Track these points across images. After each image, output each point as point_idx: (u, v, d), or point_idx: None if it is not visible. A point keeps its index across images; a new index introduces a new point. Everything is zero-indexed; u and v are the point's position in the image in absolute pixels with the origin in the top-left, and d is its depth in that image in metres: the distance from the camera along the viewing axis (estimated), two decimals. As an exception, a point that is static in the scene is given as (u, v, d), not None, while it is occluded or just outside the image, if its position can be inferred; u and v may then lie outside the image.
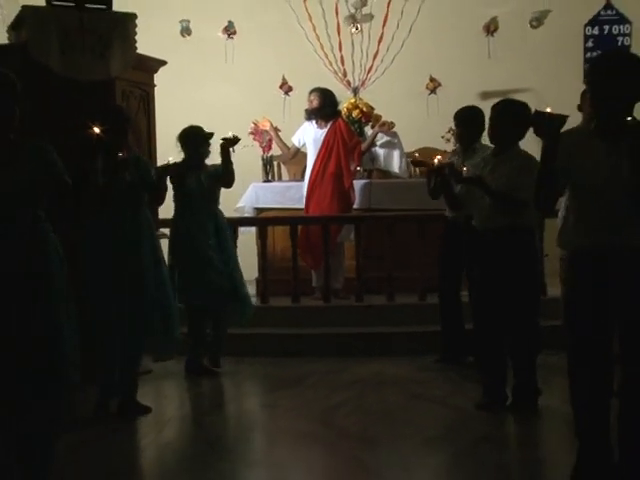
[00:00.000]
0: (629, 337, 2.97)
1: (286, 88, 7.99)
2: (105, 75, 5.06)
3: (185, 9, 8.38)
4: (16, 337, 2.93)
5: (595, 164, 2.92)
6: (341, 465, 3.87)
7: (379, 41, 8.10)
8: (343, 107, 7.37)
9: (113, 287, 4.39)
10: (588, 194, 2.96)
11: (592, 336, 2.99)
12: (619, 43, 8.29)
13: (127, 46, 5.17)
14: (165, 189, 4.68)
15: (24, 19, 5.07)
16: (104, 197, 4.13)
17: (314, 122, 6.86)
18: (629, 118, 2.86)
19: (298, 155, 7.21)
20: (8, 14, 6.64)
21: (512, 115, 4.30)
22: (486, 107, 4.82)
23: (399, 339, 6.08)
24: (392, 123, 7.28)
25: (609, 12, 8.39)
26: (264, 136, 7.28)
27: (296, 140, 7.06)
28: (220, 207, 5.62)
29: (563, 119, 2.89)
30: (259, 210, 7.20)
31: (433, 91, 8.23)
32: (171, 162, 4.75)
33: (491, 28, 8.28)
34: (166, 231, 5.71)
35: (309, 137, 6.91)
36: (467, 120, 5.35)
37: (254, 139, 7.31)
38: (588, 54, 8.36)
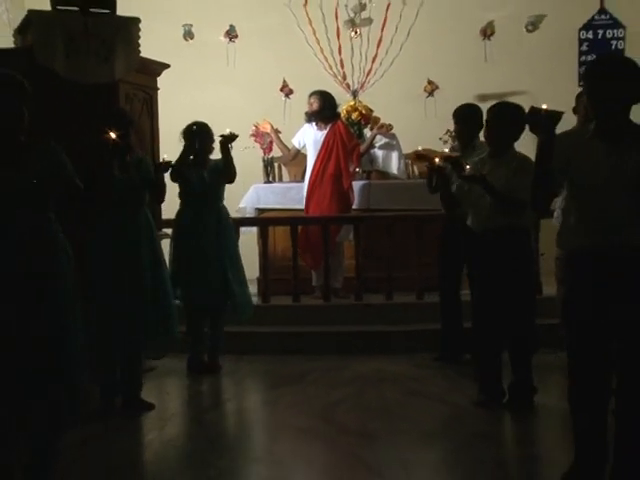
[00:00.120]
0: (628, 337, 2.92)
1: (286, 91, 7.99)
2: (109, 78, 5.06)
3: (187, 13, 8.38)
4: (22, 337, 2.92)
5: (595, 164, 2.90)
6: (341, 461, 3.86)
7: (378, 45, 8.10)
8: (343, 109, 7.37)
9: (113, 287, 4.38)
10: (588, 194, 2.93)
11: (591, 336, 2.95)
12: (613, 47, 8.29)
13: (131, 50, 5.17)
14: (162, 187, 4.68)
15: (30, 23, 5.07)
16: (104, 198, 4.12)
17: (314, 124, 6.86)
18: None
19: (298, 157, 7.21)
20: (14, 18, 6.65)
21: (508, 117, 4.30)
22: (483, 109, 4.82)
23: (397, 337, 6.08)
24: (390, 125, 7.28)
25: (603, 17, 8.39)
26: (265, 138, 7.28)
27: (296, 142, 7.06)
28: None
29: (559, 115, 2.87)
30: (260, 211, 7.19)
31: (431, 94, 8.22)
32: (166, 160, 4.74)
33: (488, 32, 8.28)
34: (169, 231, 5.70)
35: (309, 139, 6.91)
36: (466, 117, 5.35)
37: (255, 141, 7.31)
38: (583, 58, 8.38)
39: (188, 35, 8.42)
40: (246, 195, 7.18)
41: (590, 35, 8.40)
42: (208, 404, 5.08)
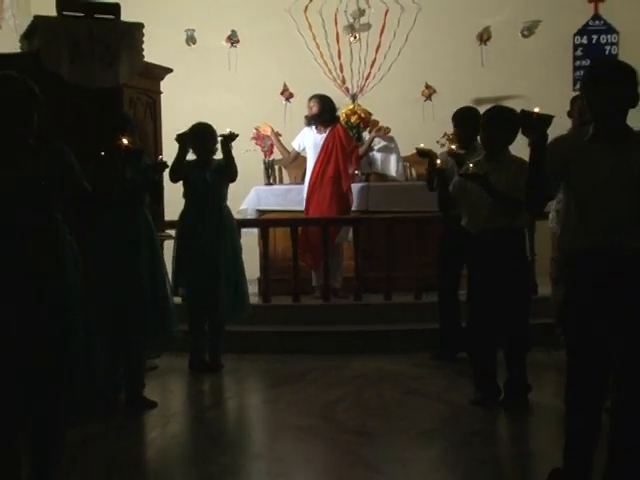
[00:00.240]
0: (627, 337, 2.88)
1: (287, 95, 7.98)
2: (113, 82, 5.06)
3: (190, 19, 8.38)
4: (22, 337, 2.90)
5: (595, 165, 2.88)
6: (340, 458, 3.85)
7: (377, 50, 8.09)
8: (342, 113, 7.38)
9: (113, 287, 4.37)
10: (588, 194, 2.90)
11: (591, 336, 2.90)
12: (607, 52, 8.32)
13: (134, 54, 5.17)
14: (159, 188, 4.66)
15: (36, 29, 5.07)
16: (106, 198, 4.11)
17: (314, 127, 6.86)
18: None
19: (298, 159, 7.21)
20: (20, 24, 6.65)
21: (503, 121, 4.31)
22: (480, 112, 4.81)
23: (396, 337, 6.07)
24: (388, 128, 7.29)
25: (597, 22, 8.41)
26: (266, 141, 7.28)
27: (296, 145, 7.06)
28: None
29: (550, 119, 2.88)
30: (261, 212, 7.19)
31: (428, 98, 8.21)
32: (162, 161, 4.74)
33: (484, 37, 8.28)
34: (172, 232, 5.70)
35: (309, 142, 6.91)
36: (465, 120, 5.36)
37: (256, 144, 7.32)
38: (577, 62, 8.42)
39: (190, 40, 8.42)
40: (247, 197, 7.17)
41: (584, 40, 8.42)
42: (210, 402, 5.08)
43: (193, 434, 4.32)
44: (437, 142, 7.21)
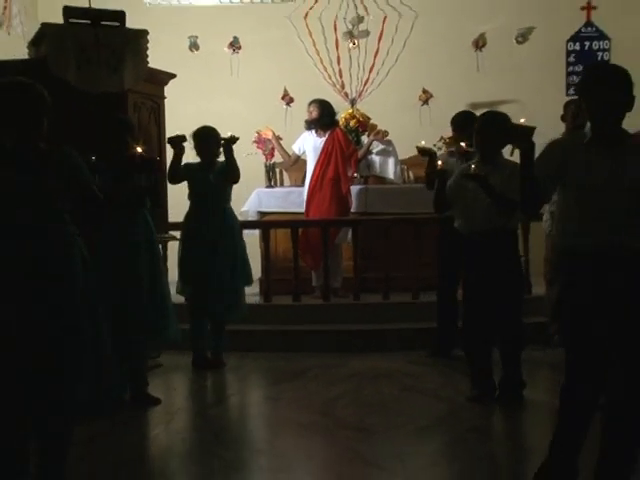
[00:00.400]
0: (626, 337, 2.85)
1: (287, 99, 7.98)
2: (118, 88, 5.05)
3: (193, 26, 8.39)
4: (22, 337, 2.89)
5: (594, 166, 2.86)
6: (339, 454, 3.85)
7: (375, 55, 8.11)
8: (341, 117, 7.37)
9: (113, 288, 4.35)
10: (588, 195, 2.88)
11: (590, 335, 2.86)
12: (599, 58, 8.34)
13: (139, 60, 5.16)
14: (157, 190, 4.66)
15: (44, 35, 5.06)
16: (112, 201, 4.11)
17: (313, 131, 6.87)
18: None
19: (298, 162, 7.21)
20: (28, 31, 6.66)
21: (496, 125, 4.31)
22: (476, 117, 4.82)
23: (394, 335, 6.06)
24: (386, 132, 7.28)
25: (589, 29, 8.43)
26: (267, 144, 7.27)
27: (296, 148, 7.06)
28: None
29: (533, 129, 2.97)
30: (262, 214, 7.19)
31: (425, 102, 8.21)
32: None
33: (480, 43, 8.28)
34: (176, 234, 5.70)
35: (309, 145, 6.91)
36: (463, 124, 5.38)
37: (257, 147, 7.30)
38: (570, 68, 8.45)
39: (194, 46, 8.42)
40: (249, 199, 7.17)
41: (577, 47, 8.44)
42: (213, 399, 5.07)
43: (196, 430, 4.32)
44: (434, 145, 7.19)
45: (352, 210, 6.88)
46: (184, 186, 5.48)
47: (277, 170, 7.68)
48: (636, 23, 8.15)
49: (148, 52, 5.23)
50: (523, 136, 2.95)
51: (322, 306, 6.47)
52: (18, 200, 2.93)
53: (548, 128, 6.00)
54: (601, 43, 8.39)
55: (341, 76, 8.13)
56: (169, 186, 5.45)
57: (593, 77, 2.93)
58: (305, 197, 6.87)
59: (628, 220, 2.85)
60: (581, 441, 2.95)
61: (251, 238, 6.75)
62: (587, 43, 8.42)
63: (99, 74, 4.98)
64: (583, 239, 2.89)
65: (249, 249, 5.80)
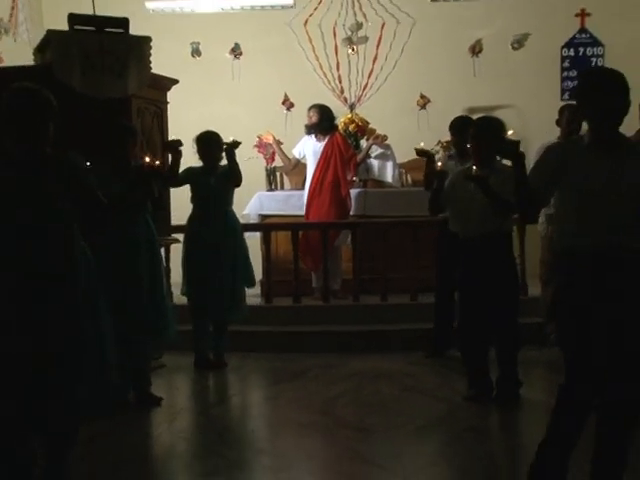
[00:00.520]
0: (625, 337, 2.82)
1: (288, 104, 7.98)
2: (122, 93, 5.05)
3: (195, 32, 8.40)
4: (25, 337, 2.88)
5: (593, 169, 2.84)
6: (339, 453, 3.85)
7: (373, 61, 8.10)
8: (340, 122, 7.37)
9: (113, 288, 4.34)
10: (586, 198, 2.85)
11: (589, 335, 2.83)
12: (593, 64, 8.35)
13: (142, 66, 5.16)
14: (152, 193, 4.66)
15: (49, 42, 5.07)
16: (117, 207, 4.10)
17: (313, 136, 6.86)
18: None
19: (299, 166, 7.20)
20: (34, 38, 6.66)
21: (492, 130, 4.31)
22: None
23: (393, 336, 6.05)
24: (385, 136, 7.28)
25: (584, 35, 8.45)
26: (268, 149, 7.27)
27: (297, 152, 7.06)
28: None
29: (519, 143, 3.08)
30: (263, 217, 7.18)
31: (423, 107, 8.22)
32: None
33: (476, 49, 8.29)
34: (179, 236, 5.69)
35: (309, 150, 6.91)
36: (461, 128, 5.37)
37: (258, 151, 7.31)
38: (565, 73, 8.48)
39: (196, 53, 8.44)
40: (250, 202, 7.17)
41: (571, 53, 8.47)
42: (215, 399, 5.07)
43: (199, 429, 4.32)
44: (432, 149, 7.21)
45: (351, 213, 6.87)
46: (187, 189, 5.48)
47: (278, 174, 7.67)
48: (629, 30, 8.17)
49: (151, 58, 5.23)
50: (512, 147, 3.03)
51: (322, 307, 6.47)
52: (18, 200, 2.92)
53: (543, 132, 6.05)
54: (595, 49, 8.42)
55: (340, 81, 8.13)
56: (172, 190, 5.45)
57: (589, 83, 2.92)
58: (305, 200, 6.87)
59: (626, 221, 2.83)
60: (575, 441, 2.92)
61: (252, 240, 6.74)
62: (581, 49, 8.45)
63: (103, 80, 4.99)
64: (582, 239, 2.87)
65: (250, 251, 5.80)
